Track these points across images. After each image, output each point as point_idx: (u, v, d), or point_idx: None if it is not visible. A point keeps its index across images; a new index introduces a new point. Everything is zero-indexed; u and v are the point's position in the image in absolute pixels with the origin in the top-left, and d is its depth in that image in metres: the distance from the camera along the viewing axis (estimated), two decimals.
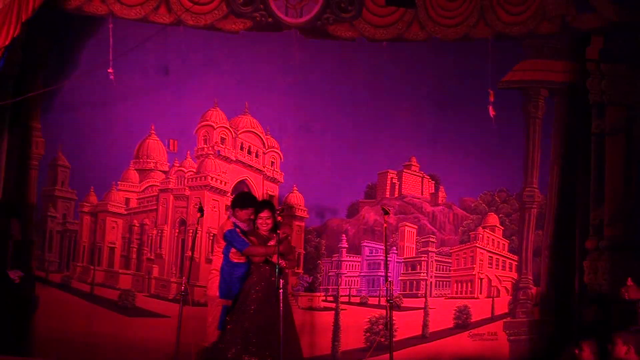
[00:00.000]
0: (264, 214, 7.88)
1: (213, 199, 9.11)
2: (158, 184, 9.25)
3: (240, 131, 9.28)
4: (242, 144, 9.29)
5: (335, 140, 9.26)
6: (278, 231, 7.71)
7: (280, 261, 7.51)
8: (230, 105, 9.26)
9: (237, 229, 7.94)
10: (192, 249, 8.04)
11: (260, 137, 9.33)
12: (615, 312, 8.06)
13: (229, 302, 8.02)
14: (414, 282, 9.35)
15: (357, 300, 9.30)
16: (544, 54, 9.21)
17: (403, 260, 9.36)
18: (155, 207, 9.23)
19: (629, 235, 8.68)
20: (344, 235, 9.31)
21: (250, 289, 7.77)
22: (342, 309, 9.20)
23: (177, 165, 9.24)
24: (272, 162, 9.33)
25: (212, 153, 9.19)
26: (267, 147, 9.33)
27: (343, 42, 9.11)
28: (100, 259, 9.13)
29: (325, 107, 9.25)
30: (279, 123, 9.30)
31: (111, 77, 8.41)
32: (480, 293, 9.29)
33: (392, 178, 9.40)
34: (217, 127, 9.20)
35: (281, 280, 7.43)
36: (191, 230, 8.96)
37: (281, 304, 7.40)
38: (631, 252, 8.63)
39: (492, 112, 8.85)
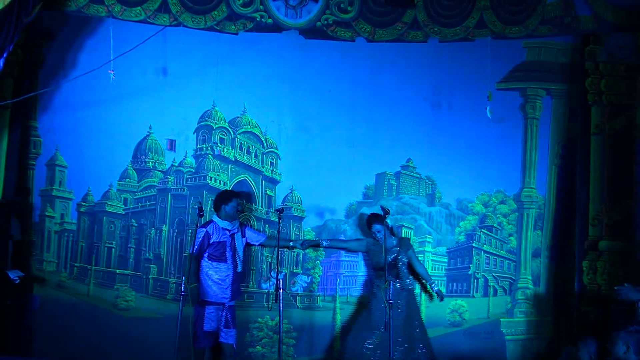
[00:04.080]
0: None
1: (212, 199, 9.08)
2: (156, 184, 9.24)
3: (239, 131, 9.28)
4: (241, 144, 9.28)
5: (333, 141, 9.26)
6: None
7: None
8: (230, 105, 9.26)
9: (207, 232, 8.17)
10: (191, 249, 8.06)
11: (259, 137, 9.32)
12: (614, 312, 8.08)
13: (211, 303, 8.12)
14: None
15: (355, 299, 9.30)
16: (543, 54, 9.25)
17: None
18: (153, 207, 9.22)
19: (628, 236, 8.73)
20: (342, 235, 9.31)
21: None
22: (340, 309, 9.20)
23: (176, 165, 9.23)
24: (271, 162, 9.32)
25: (211, 153, 9.19)
26: (266, 147, 9.32)
27: (343, 42, 9.16)
28: (98, 258, 9.11)
29: (324, 107, 9.25)
30: (278, 123, 9.30)
31: (112, 77, 8.41)
32: (477, 292, 9.30)
33: (389, 179, 9.40)
34: (216, 127, 9.20)
35: (280, 280, 7.73)
36: (190, 230, 8.97)
37: (280, 305, 7.53)
38: (630, 252, 8.69)
39: (490, 113, 8.86)
